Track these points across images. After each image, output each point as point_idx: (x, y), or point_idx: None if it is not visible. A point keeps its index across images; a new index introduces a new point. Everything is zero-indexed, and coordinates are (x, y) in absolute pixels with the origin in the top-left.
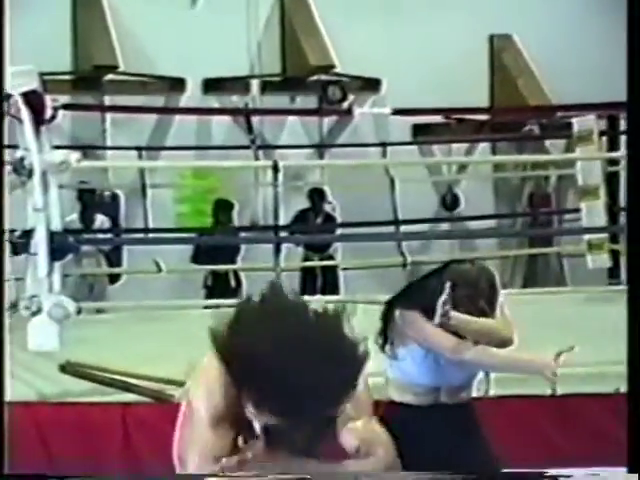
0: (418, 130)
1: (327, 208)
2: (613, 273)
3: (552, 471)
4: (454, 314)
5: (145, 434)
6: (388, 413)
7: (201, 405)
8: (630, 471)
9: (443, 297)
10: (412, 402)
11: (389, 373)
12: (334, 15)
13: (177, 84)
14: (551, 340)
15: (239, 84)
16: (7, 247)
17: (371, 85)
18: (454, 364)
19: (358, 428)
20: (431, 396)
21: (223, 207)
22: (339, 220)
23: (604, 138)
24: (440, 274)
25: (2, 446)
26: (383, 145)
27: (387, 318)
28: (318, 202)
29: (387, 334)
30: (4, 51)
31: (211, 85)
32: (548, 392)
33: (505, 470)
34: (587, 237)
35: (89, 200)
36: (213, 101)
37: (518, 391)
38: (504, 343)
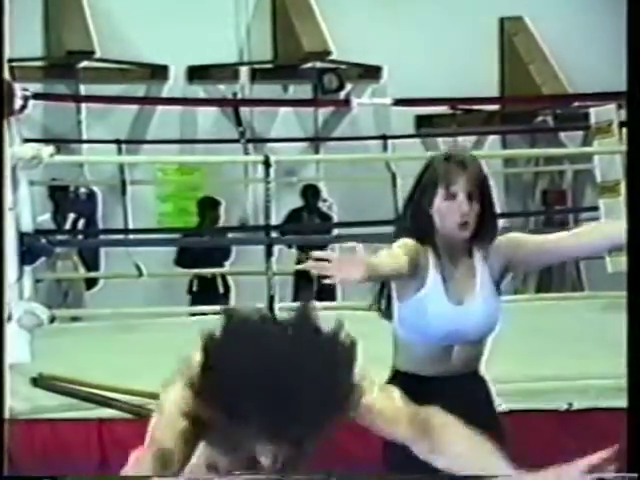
0: (422, 121)
1: (322, 206)
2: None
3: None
4: None
5: (124, 453)
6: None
7: (174, 409)
8: (630, 471)
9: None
10: (421, 371)
11: (397, 330)
12: None
13: (159, 71)
14: (567, 351)
15: (227, 72)
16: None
17: (371, 73)
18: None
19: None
20: (444, 358)
21: (209, 205)
22: (335, 219)
23: (625, 129)
24: (425, 184)
25: (2, 447)
26: (384, 138)
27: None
28: (312, 200)
29: (383, 293)
30: (3, 49)
31: (196, 73)
32: (564, 406)
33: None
34: None
35: (63, 198)
36: (199, 90)
37: (530, 405)
38: None
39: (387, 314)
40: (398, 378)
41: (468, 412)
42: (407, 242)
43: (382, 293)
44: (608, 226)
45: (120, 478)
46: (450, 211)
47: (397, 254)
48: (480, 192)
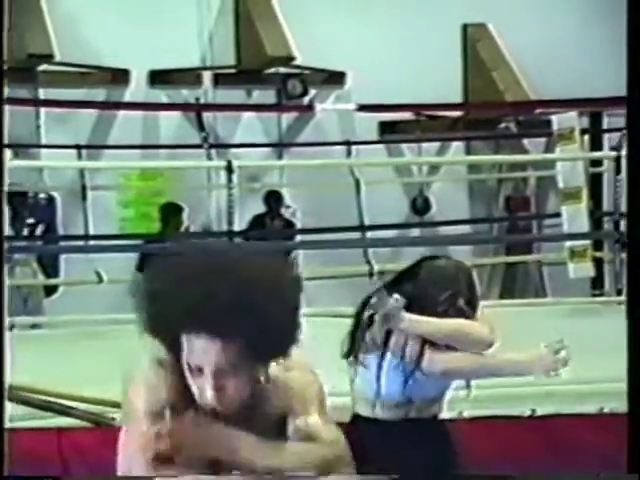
0: (386, 128)
1: (286, 213)
2: (596, 283)
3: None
4: (407, 315)
5: (84, 461)
6: (352, 429)
7: (139, 401)
8: (630, 471)
9: (390, 299)
10: (379, 416)
11: (355, 383)
12: (294, 1)
13: (120, 75)
14: None
15: (189, 76)
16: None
17: (335, 79)
18: (430, 375)
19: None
20: (401, 410)
21: (172, 211)
22: (299, 226)
23: (586, 136)
24: (413, 272)
25: (2, 448)
26: (347, 144)
27: (359, 320)
28: (276, 206)
29: (356, 339)
30: (3, 48)
31: (158, 77)
32: (527, 413)
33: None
34: (569, 244)
35: (21, 204)
36: (161, 95)
37: (496, 411)
38: (483, 346)
39: (350, 357)
40: (356, 423)
41: (428, 457)
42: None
43: (351, 338)
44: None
45: (120, 478)
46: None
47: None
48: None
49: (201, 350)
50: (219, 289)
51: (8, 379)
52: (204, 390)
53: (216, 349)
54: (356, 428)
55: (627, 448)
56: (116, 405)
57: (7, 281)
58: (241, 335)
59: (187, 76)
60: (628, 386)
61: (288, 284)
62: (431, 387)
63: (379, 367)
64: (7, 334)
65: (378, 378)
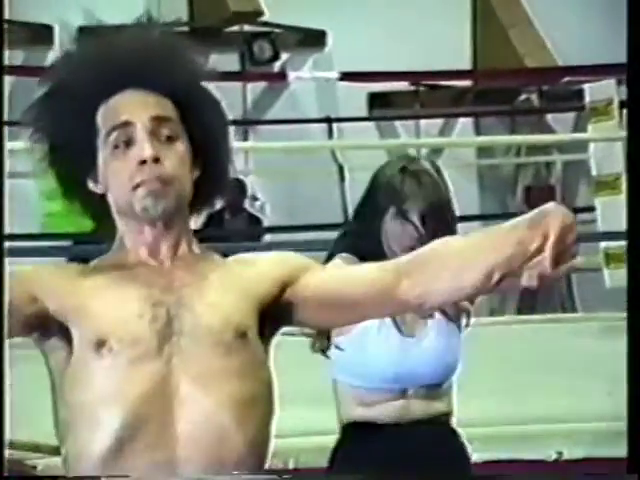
0: (376, 100)
1: (251, 206)
2: None
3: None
4: None
5: None
6: (346, 438)
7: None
8: (630, 471)
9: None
10: (375, 418)
11: (338, 376)
12: None
13: (42, 33)
14: (557, 388)
15: None
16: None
17: (312, 39)
18: (421, 341)
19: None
20: (398, 404)
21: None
22: (267, 223)
23: (626, 111)
24: (374, 198)
25: (2, 448)
26: (328, 121)
27: None
28: (238, 198)
29: None
30: (3, 47)
31: (90, 36)
32: (553, 456)
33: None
34: (604, 245)
35: None
36: None
37: (511, 454)
38: None
39: (325, 352)
40: (349, 432)
41: (436, 466)
42: (348, 260)
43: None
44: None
45: (121, 478)
46: (399, 233)
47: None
48: (438, 216)
49: (128, 104)
50: (135, 46)
51: None
52: (138, 153)
53: (148, 98)
54: (351, 439)
55: (627, 448)
56: (40, 449)
57: None
58: (169, 88)
59: None
60: (628, 383)
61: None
62: (425, 366)
63: (361, 342)
64: None
65: (360, 357)
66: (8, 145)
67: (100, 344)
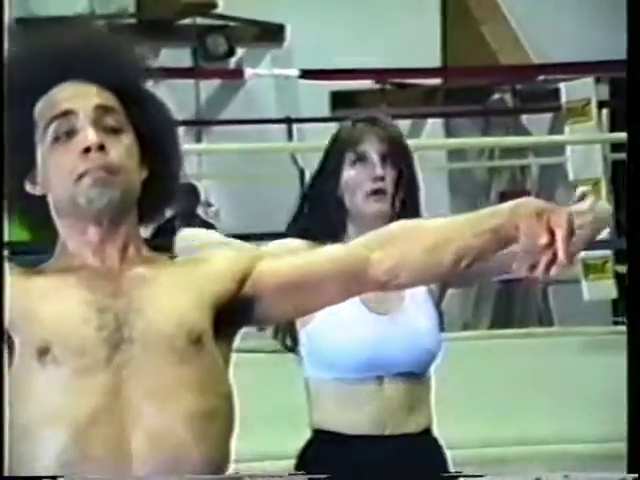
0: (339, 100)
1: (205, 213)
2: (619, 307)
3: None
4: None
5: None
6: (316, 444)
7: None
8: (630, 471)
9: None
10: (345, 427)
11: (309, 371)
12: None
13: None
14: (533, 407)
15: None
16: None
17: (270, 34)
18: (390, 315)
19: None
20: (371, 399)
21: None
22: (222, 230)
23: (605, 111)
24: (329, 154)
25: (2, 448)
26: (288, 122)
27: None
28: (189, 204)
29: None
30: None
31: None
32: None
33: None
34: (582, 255)
35: None
36: None
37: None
38: None
39: (294, 348)
40: (317, 441)
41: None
42: (289, 244)
43: (287, 326)
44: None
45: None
46: (360, 178)
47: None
48: (398, 156)
49: (69, 94)
50: (76, 37)
51: None
52: (82, 143)
53: (90, 89)
54: (317, 450)
55: (627, 448)
56: None
57: None
58: (113, 81)
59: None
60: (628, 382)
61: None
62: (401, 348)
63: (326, 327)
64: None
65: (327, 340)
66: None
67: (42, 352)
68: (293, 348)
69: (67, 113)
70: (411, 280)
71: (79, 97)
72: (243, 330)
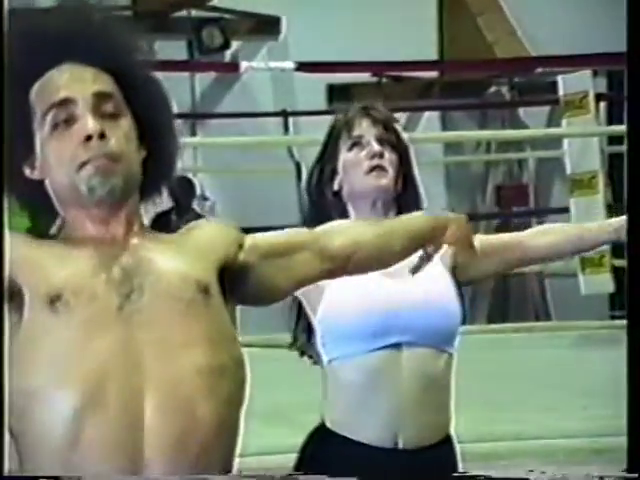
0: (335, 93)
1: (201, 207)
2: (616, 302)
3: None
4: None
5: None
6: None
7: None
8: (629, 471)
9: None
10: (356, 427)
11: (321, 354)
12: None
13: None
14: (530, 401)
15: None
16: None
17: (266, 26)
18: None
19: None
20: (389, 379)
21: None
22: None
23: (603, 104)
24: (326, 144)
25: (2, 448)
26: (284, 115)
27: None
28: (185, 198)
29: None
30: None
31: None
32: (524, 475)
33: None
34: None
35: None
36: None
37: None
38: None
39: (309, 350)
40: (325, 442)
41: None
42: None
43: (298, 323)
44: (571, 226)
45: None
46: (357, 157)
47: None
48: (394, 139)
49: (67, 80)
50: (71, 19)
51: None
52: (81, 130)
53: (87, 73)
54: (319, 448)
55: (627, 448)
56: None
57: None
58: (109, 62)
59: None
60: (628, 381)
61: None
62: (415, 306)
63: (335, 303)
64: None
65: (342, 316)
66: None
67: (54, 299)
68: (311, 353)
69: (66, 101)
70: (368, 259)
71: (77, 83)
72: (239, 329)
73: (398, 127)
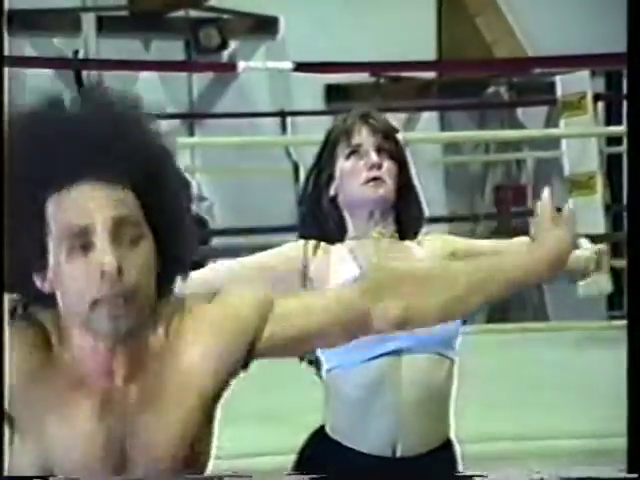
0: (333, 93)
1: (197, 207)
2: (615, 302)
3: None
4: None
5: None
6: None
7: None
8: (630, 471)
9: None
10: (357, 437)
11: (327, 363)
12: None
13: None
14: (528, 402)
15: (64, 20)
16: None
17: (263, 26)
18: None
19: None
20: (390, 379)
21: None
22: (214, 225)
23: (601, 104)
24: (324, 150)
25: (2, 448)
26: (282, 115)
27: None
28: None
29: None
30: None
31: (21, 20)
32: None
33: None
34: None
35: None
36: (25, 45)
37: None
38: None
39: (312, 357)
40: (317, 439)
41: None
42: (288, 248)
43: None
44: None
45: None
46: (355, 167)
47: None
48: (393, 148)
49: (86, 204)
50: (91, 125)
51: None
52: (97, 264)
53: (108, 194)
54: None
55: (627, 448)
56: None
57: None
58: (130, 175)
59: (61, 19)
60: (628, 380)
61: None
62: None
63: None
64: None
65: None
66: None
67: (45, 470)
68: (313, 361)
69: (84, 229)
70: (425, 323)
71: (96, 208)
72: None
73: (398, 136)
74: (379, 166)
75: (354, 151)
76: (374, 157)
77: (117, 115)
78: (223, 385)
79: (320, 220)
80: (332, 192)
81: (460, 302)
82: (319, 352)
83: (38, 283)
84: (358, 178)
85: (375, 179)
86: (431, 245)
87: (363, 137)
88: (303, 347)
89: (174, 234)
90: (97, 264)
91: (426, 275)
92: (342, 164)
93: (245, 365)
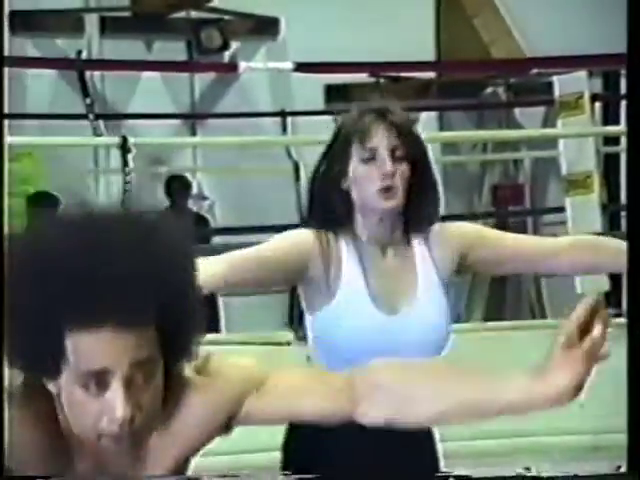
0: (333, 93)
1: (198, 206)
2: (612, 300)
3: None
4: None
5: None
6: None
7: None
8: (630, 468)
9: None
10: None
11: (312, 355)
12: None
13: None
14: None
15: (67, 21)
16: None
17: (264, 27)
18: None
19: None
20: None
21: (43, 203)
22: (215, 224)
23: (598, 105)
24: (330, 147)
25: (2, 448)
26: (282, 115)
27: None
28: (180, 197)
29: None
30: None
31: (24, 21)
32: (519, 472)
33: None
34: None
35: None
36: (27, 45)
37: (476, 471)
38: None
39: (302, 334)
40: (295, 434)
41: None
42: (294, 236)
43: (293, 306)
44: (606, 244)
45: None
46: (369, 174)
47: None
48: (409, 148)
49: (107, 349)
50: (118, 260)
51: None
52: (109, 410)
53: (129, 339)
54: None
55: (627, 448)
56: None
57: None
58: (155, 317)
59: (63, 20)
60: (628, 380)
61: (186, 247)
62: (411, 347)
63: (332, 322)
64: None
65: (335, 335)
66: None
67: None
68: (304, 336)
69: (101, 371)
70: (406, 425)
71: (115, 354)
72: (234, 325)
73: (415, 130)
74: (392, 174)
75: (369, 156)
76: (388, 165)
77: (149, 251)
78: (203, 445)
79: (327, 206)
80: (344, 186)
81: (444, 417)
82: (311, 355)
83: (49, 386)
84: (372, 184)
85: (388, 189)
86: (442, 244)
87: (378, 139)
88: (283, 422)
89: (184, 336)
90: (110, 408)
91: (418, 386)
92: (356, 166)
93: (227, 430)
